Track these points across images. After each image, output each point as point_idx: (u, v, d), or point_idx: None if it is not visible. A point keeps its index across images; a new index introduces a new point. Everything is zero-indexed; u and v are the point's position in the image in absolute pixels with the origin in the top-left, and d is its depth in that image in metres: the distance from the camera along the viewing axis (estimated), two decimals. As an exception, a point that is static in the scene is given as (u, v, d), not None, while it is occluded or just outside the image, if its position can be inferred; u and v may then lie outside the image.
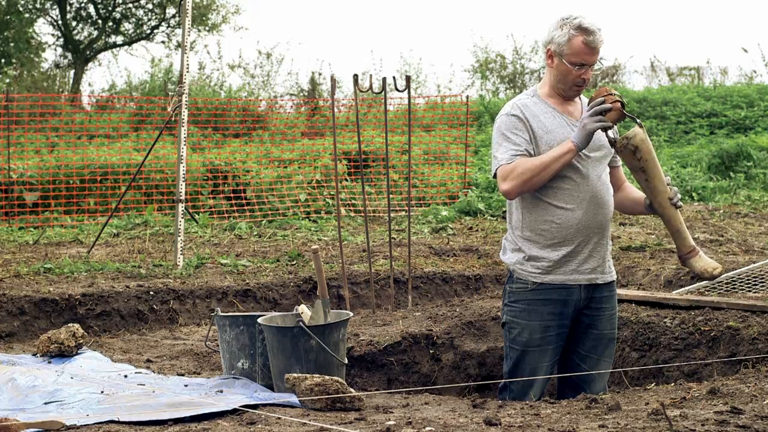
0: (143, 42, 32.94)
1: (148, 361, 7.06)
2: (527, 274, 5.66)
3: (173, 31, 32.41)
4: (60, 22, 31.88)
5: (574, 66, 5.51)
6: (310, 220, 14.41)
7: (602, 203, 5.60)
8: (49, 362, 6.70)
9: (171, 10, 31.80)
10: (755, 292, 8.07)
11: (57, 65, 32.63)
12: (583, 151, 5.52)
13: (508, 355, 5.84)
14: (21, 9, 30.45)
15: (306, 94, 29.32)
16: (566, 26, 5.52)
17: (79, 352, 6.90)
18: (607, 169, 5.71)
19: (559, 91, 5.64)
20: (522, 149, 5.52)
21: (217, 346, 6.71)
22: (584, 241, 5.60)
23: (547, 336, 5.68)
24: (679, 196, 5.55)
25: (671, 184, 5.57)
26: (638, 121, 5.49)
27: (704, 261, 5.56)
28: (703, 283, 8.36)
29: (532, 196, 5.59)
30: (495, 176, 5.60)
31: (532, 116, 5.57)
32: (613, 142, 5.50)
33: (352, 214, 14.78)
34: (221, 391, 5.91)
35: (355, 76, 8.63)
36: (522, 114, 5.56)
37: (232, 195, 15.20)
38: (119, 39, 33.03)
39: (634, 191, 5.86)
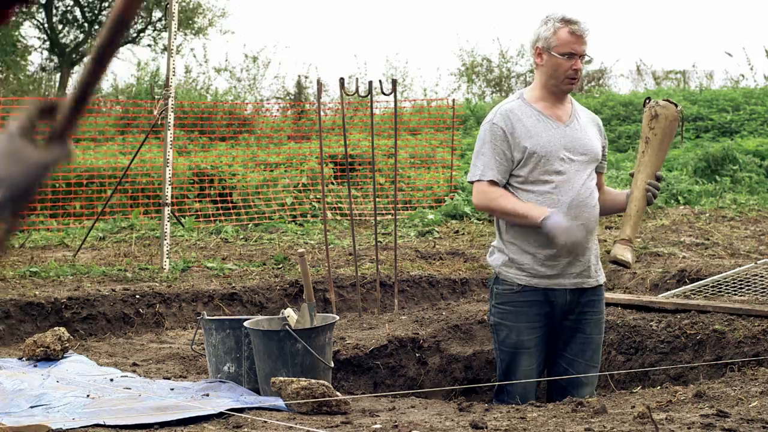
0: (129, 45, 32.90)
1: (134, 364, 7.05)
2: (512, 276, 5.67)
3: (159, 34, 32.38)
4: (46, 25, 31.85)
5: (564, 56, 5.55)
6: (296, 223, 14.39)
7: (585, 207, 5.59)
8: (35, 366, 6.68)
9: (157, 14, 31.77)
10: (741, 296, 8.09)
11: (43, 68, 32.59)
12: (567, 154, 5.56)
13: (499, 357, 5.85)
14: (7, 12, 30.36)
15: (292, 97, 29.32)
16: (550, 21, 5.63)
17: (65, 355, 6.89)
18: (593, 175, 5.72)
19: (551, 89, 5.65)
20: (502, 167, 5.59)
21: (204, 349, 6.70)
22: (566, 245, 5.59)
23: (535, 337, 5.70)
24: (658, 193, 5.62)
25: (661, 180, 5.65)
26: (679, 107, 5.60)
27: (621, 249, 5.60)
28: (689, 286, 8.38)
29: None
30: (471, 182, 5.73)
31: (516, 120, 5.60)
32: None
33: (339, 218, 14.78)
34: (207, 395, 5.90)
35: (342, 80, 8.63)
36: (505, 123, 5.61)
37: (218, 198, 15.19)
38: (105, 42, 32.92)
39: (614, 191, 5.95)
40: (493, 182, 5.58)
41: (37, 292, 8.54)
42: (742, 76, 28.42)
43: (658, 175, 5.62)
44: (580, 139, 5.64)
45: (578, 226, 5.50)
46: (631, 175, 5.70)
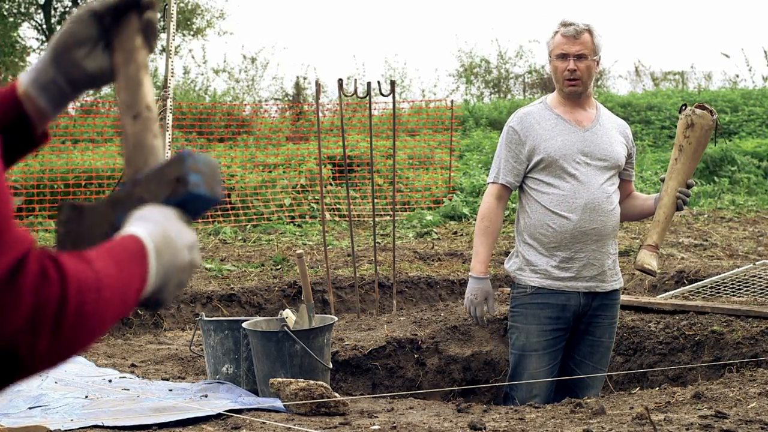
0: (128, 46, 32.81)
1: (133, 365, 7.04)
2: (526, 279, 5.67)
3: (158, 35, 32.34)
4: (44, 26, 31.80)
5: (558, 59, 5.60)
6: (294, 224, 14.39)
7: (600, 211, 5.58)
8: (33, 367, 6.66)
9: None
10: (739, 297, 8.08)
11: (41, 69, 32.50)
12: (584, 158, 5.58)
13: (510, 360, 5.87)
14: (5, 13, 30.38)
15: (291, 98, 29.30)
16: (554, 29, 5.66)
17: (63, 356, 6.87)
18: (614, 180, 5.71)
19: (560, 93, 5.69)
20: (515, 170, 5.67)
21: (202, 350, 6.70)
22: (581, 248, 5.59)
23: (544, 340, 5.69)
24: (688, 200, 5.64)
25: (692, 188, 5.66)
26: (715, 115, 5.64)
27: (646, 256, 5.62)
28: (688, 287, 8.38)
29: (533, 200, 5.63)
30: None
31: (533, 123, 5.65)
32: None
33: (337, 219, 14.77)
34: (206, 396, 5.90)
35: (340, 81, 8.63)
36: (521, 126, 5.67)
37: (216, 199, 15.16)
38: (104, 43, 32.91)
39: (643, 195, 5.93)
40: (505, 187, 5.67)
41: (35, 293, 8.52)
42: (737, 76, 28.46)
43: (690, 182, 5.64)
44: (599, 144, 5.64)
45: (480, 303, 5.65)
46: (662, 180, 5.70)
